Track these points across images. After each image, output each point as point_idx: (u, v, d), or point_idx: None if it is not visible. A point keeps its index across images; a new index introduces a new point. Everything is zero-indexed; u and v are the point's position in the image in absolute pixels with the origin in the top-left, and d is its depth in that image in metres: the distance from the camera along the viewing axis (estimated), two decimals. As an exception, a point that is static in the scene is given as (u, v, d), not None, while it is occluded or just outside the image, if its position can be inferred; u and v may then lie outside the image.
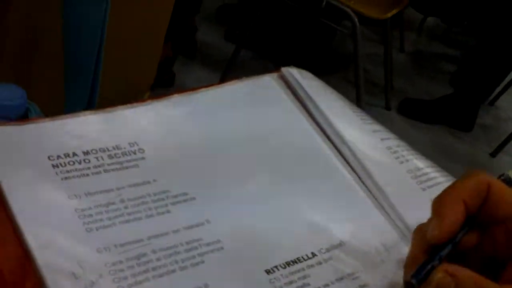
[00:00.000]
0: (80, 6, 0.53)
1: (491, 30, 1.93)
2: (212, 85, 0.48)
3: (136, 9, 0.73)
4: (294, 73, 0.51)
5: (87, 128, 0.39)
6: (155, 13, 0.79)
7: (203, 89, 0.47)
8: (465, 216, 0.32)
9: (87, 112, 0.39)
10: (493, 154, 2.00)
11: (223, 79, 1.71)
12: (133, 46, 0.78)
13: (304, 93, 0.50)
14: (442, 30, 2.81)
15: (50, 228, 0.32)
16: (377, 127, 0.51)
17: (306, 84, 0.51)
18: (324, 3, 1.45)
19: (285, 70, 0.51)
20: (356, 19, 1.47)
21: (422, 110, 2.05)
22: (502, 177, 0.37)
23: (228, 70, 1.70)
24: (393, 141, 0.50)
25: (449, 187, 0.33)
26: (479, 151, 2.01)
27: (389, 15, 1.49)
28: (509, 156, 2.01)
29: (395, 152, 0.49)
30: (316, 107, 0.49)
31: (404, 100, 2.09)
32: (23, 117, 0.53)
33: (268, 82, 0.50)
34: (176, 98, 0.45)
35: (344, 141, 0.47)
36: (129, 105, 0.42)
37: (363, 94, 1.68)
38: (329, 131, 0.47)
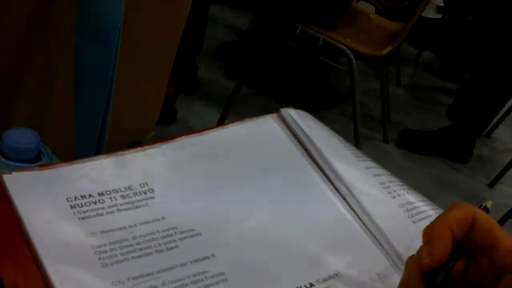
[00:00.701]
0: (92, 50, 0.56)
1: (485, 63, 1.98)
2: (216, 126, 0.51)
3: (143, 49, 0.76)
4: (292, 114, 0.55)
5: (101, 171, 0.42)
6: (161, 52, 0.82)
7: (207, 131, 0.50)
8: (453, 243, 0.35)
9: (101, 156, 0.43)
10: (491, 185, 2.02)
11: (224, 115, 1.75)
12: (139, 85, 0.81)
13: (301, 132, 0.53)
14: (437, 64, 2.87)
15: (69, 263, 0.35)
16: (370, 164, 0.54)
17: (304, 124, 0.54)
18: (321, 42, 1.50)
19: (283, 110, 0.55)
20: (352, 57, 1.51)
21: (420, 143, 2.08)
22: (482, 206, 0.40)
23: (229, 106, 1.75)
24: (386, 177, 0.53)
25: (438, 218, 0.36)
26: (477, 182, 2.04)
27: (385, 52, 1.54)
28: (507, 187, 2.03)
29: (387, 187, 0.52)
30: (313, 145, 0.52)
31: (402, 132, 2.13)
32: (36, 159, 0.56)
33: (268, 122, 0.54)
34: (182, 140, 0.48)
35: (339, 177, 0.50)
36: (139, 148, 0.45)
37: (360, 128, 1.71)
38: (325, 168, 0.50)
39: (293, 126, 0.53)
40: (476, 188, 2.00)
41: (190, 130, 1.77)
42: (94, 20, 0.54)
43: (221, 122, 1.76)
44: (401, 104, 2.44)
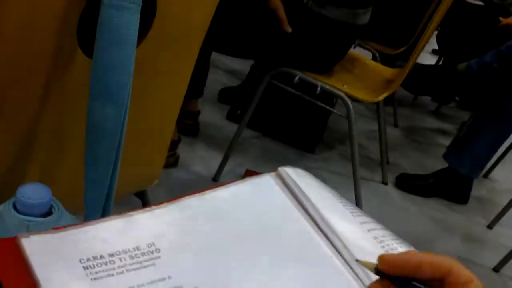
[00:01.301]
0: (102, 113, 0.60)
1: (482, 106, 2.02)
2: (218, 185, 0.55)
3: (150, 101, 0.80)
4: (290, 172, 0.58)
5: (111, 232, 0.45)
6: (168, 102, 0.85)
7: (210, 191, 0.53)
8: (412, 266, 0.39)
9: (111, 217, 0.46)
10: (490, 226, 2.04)
11: (225, 159, 1.79)
12: (146, 135, 0.84)
13: (299, 190, 0.56)
14: (434, 106, 2.93)
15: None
16: (364, 219, 0.57)
17: (301, 182, 0.57)
18: (319, 89, 1.55)
19: (281, 169, 0.58)
20: (349, 103, 1.56)
21: (418, 184, 2.11)
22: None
23: (230, 150, 1.78)
24: (379, 231, 0.56)
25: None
26: (476, 223, 2.05)
27: (381, 98, 1.59)
28: (506, 228, 2.05)
29: (381, 241, 0.55)
30: (310, 202, 0.55)
31: (400, 175, 2.16)
32: (47, 213, 0.59)
33: (267, 181, 0.57)
34: (186, 200, 0.51)
35: (335, 233, 0.53)
36: (147, 208, 0.48)
37: (359, 170, 1.74)
38: (321, 224, 0.53)
39: (291, 184, 0.56)
40: (476, 230, 2.01)
41: (192, 174, 1.81)
42: (105, 84, 0.58)
43: (222, 166, 1.79)
44: (399, 146, 2.47)
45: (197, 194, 0.52)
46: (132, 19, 0.54)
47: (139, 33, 0.57)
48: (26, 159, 0.66)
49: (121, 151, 0.64)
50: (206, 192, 0.53)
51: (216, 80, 2.52)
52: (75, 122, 0.67)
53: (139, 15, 0.54)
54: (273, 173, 0.58)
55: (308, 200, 0.55)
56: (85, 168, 0.64)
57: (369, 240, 0.54)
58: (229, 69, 2.75)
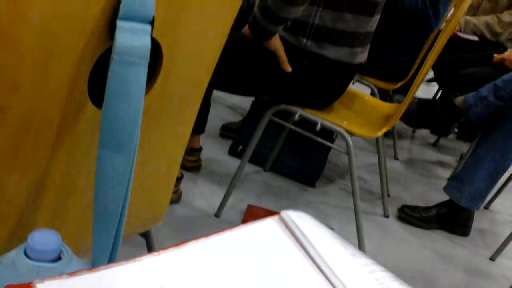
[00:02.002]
0: (111, 158, 0.62)
1: (479, 139, 2.05)
2: (222, 230, 0.57)
3: (156, 147, 0.82)
4: (292, 216, 0.60)
5: (121, 277, 0.47)
6: (173, 147, 0.88)
7: (214, 235, 0.55)
8: None
9: (120, 263, 0.48)
10: (493, 258, 2.04)
11: (227, 195, 1.81)
12: (151, 177, 0.87)
13: (301, 233, 0.58)
14: (433, 138, 2.96)
15: None
16: (365, 261, 0.59)
17: (303, 225, 0.59)
18: (319, 126, 1.58)
19: (284, 213, 0.61)
20: (349, 139, 1.59)
21: (419, 217, 2.12)
22: None
23: (232, 186, 1.80)
24: (380, 273, 0.58)
25: None
26: (479, 256, 2.06)
27: (380, 134, 1.61)
28: (509, 259, 2.05)
29: (381, 283, 0.56)
30: (312, 245, 0.57)
31: (402, 207, 2.17)
32: (57, 258, 0.61)
33: (269, 225, 0.59)
34: (192, 244, 0.53)
35: (336, 275, 0.54)
36: (155, 253, 0.50)
37: (360, 203, 1.76)
38: (323, 267, 0.55)
39: (294, 228, 0.59)
40: (478, 262, 2.01)
41: (194, 210, 1.83)
42: (114, 134, 0.60)
43: (224, 202, 1.81)
44: (400, 178, 2.49)
45: (202, 238, 0.54)
46: (139, 74, 0.57)
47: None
48: (37, 205, 0.68)
49: (129, 196, 0.66)
50: (211, 236, 0.55)
51: (217, 116, 2.56)
52: (84, 170, 0.70)
53: (146, 70, 0.57)
54: (276, 217, 0.60)
55: (310, 243, 0.57)
56: (94, 214, 0.66)
57: (370, 282, 0.56)
58: (230, 104, 2.79)
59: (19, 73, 0.53)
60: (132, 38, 0.56)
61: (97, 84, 0.64)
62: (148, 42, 0.57)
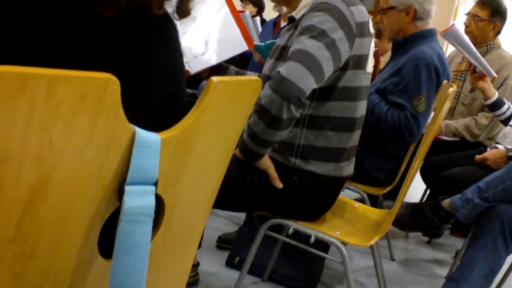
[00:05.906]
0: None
1: (470, 241, 2.09)
2: None
3: (160, 282, 0.86)
4: None
5: None
6: (178, 278, 0.91)
7: None
8: None
9: None
10: None
11: (226, 311, 1.81)
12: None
13: None
14: (427, 238, 3.00)
15: None
16: None
17: None
18: (312, 238, 1.63)
19: None
20: (343, 248, 1.63)
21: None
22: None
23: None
24: None
25: None
26: None
27: (373, 242, 1.66)
28: None
29: None
30: None
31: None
32: None
33: None
34: None
35: None
36: None
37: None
38: None
39: None
40: None
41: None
42: (122, 284, 0.66)
43: (224, 318, 1.81)
44: (397, 280, 2.50)
45: None
46: (145, 230, 0.63)
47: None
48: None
49: None
50: None
51: (213, 227, 2.60)
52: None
53: (151, 225, 0.64)
54: None
55: None
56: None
57: None
58: (226, 215, 2.85)
59: (36, 241, 0.59)
60: (139, 200, 0.63)
61: (105, 235, 0.70)
62: (152, 202, 0.64)
